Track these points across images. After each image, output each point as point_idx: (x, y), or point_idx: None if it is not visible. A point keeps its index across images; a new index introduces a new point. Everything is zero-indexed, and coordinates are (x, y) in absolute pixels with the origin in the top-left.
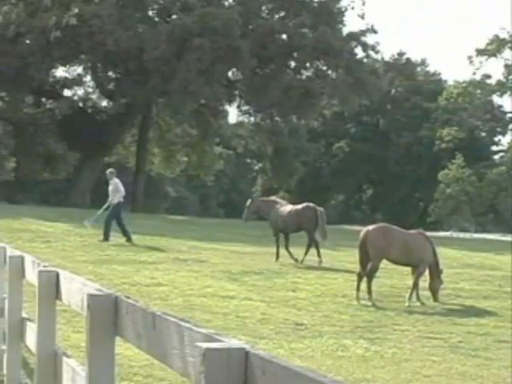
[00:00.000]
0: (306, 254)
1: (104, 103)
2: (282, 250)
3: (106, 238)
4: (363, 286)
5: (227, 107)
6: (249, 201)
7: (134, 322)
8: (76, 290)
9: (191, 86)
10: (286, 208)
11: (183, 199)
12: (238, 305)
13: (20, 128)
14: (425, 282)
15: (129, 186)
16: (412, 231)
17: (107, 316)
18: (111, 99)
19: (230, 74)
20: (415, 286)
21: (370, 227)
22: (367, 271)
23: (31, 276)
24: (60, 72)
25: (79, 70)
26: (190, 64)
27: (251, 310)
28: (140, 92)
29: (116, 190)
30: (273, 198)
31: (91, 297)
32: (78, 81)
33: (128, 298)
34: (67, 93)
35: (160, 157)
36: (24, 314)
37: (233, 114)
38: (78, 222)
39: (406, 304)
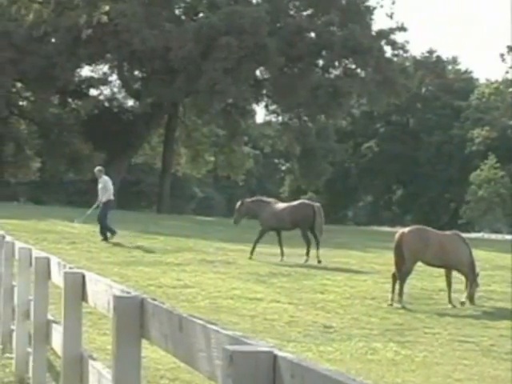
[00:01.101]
0: (308, 253)
1: (130, 103)
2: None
3: (106, 237)
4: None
5: (254, 107)
6: (238, 203)
7: (161, 324)
8: (102, 291)
9: (218, 85)
10: (280, 205)
11: (210, 200)
12: (266, 307)
13: (45, 128)
14: (458, 284)
15: (155, 187)
16: (447, 232)
17: (133, 318)
18: (137, 99)
19: (257, 73)
20: (450, 287)
21: (406, 229)
22: (401, 273)
23: (57, 278)
24: (86, 71)
25: (105, 69)
26: (217, 63)
27: (279, 313)
28: (166, 91)
29: (105, 188)
30: (259, 197)
31: (117, 299)
32: (103, 80)
33: (154, 299)
34: (93, 92)
35: (187, 157)
36: (50, 317)
37: (260, 113)
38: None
39: (449, 306)
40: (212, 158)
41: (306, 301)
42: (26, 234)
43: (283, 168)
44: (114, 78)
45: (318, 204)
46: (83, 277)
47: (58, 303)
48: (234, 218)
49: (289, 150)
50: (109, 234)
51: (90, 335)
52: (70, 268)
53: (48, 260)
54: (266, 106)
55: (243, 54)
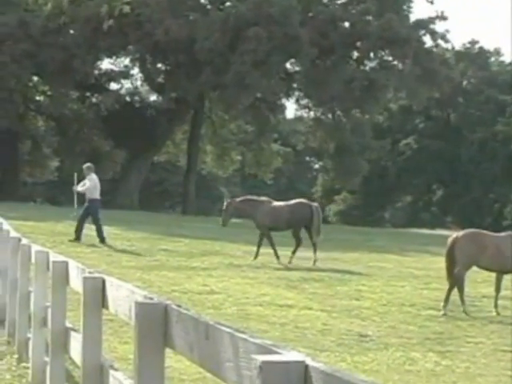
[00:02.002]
0: (294, 252)
1: (153, 97)
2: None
3: (103, 238)
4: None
5: (285, 101)
6: (225, 203)
7: (186, 332)
8: (123, 297)
9: (246, 78)
10: (275, 204)
11: None
12: (297, 314)
13: (64, 124)
14: (506, 290)
15: (179, 187)
16: (502, 234)
17: (157, 326)
18: (160, 93)
19: (287, 65)
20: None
21: (460, 233)
22: (453, 279)
23: (76, 283)
24: (106, 64)
25: (126, 61)
26: (245, 55)
27: (311, 320)
28: (191, 85)
29: (95, 186)
30: (249, 196)
31: (140, 305)
32: (125, 73)
33: (179, 306)
34: (113, 86)
35: (213, 155)
36: (68, 324)
37: (291, 108)
38: (126, 225)
39: (494, 313)
40: (239, 157)
41: (339, 308)
42: (43, 236)
43: (316, 166)
44: (135, 71)
45: (315, 204)
46: (103, 282)
47: (77, 310)
48: (222, 219)
49: (322, 147)
50: (75, 234)
51: (111, 344)
52: (90, 272)
53: (66, 264)
54: (297, 101)
55: (273, 45)
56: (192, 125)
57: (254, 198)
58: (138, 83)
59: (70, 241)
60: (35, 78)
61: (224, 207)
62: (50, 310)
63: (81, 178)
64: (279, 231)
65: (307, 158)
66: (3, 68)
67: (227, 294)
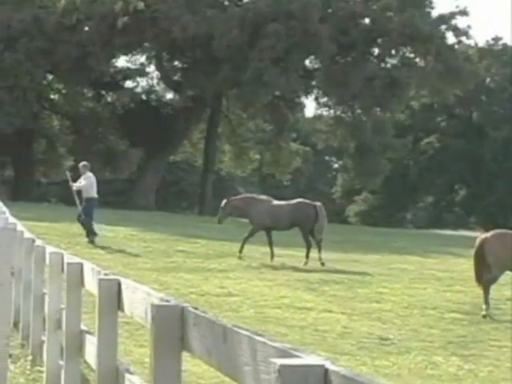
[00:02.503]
0: (308, 255)
1: (169, 96)
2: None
3: (93, 235)
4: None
5: (304, 99)
6: (224, 201)
7: (203, 335)
8: (139, 300)
9: (265, 76)
10: (275, 204)
11: None
12: (317, 317)
13: (79, 123)
14: None
15: (196, 187)
16: None
17: (173, 329)
18: (177, 91)
19: (307, 62)
20: None
21: (488, 234)
22: (484, 281)
23: (91, 285)
24: (122, 62)
25: (142, 59)
26: (264, 52)
27: (331, 323)
28: (209, 83)
29: (92, 184)
30: (248, 195)
31: (156, 307)
32: (141, 71)
33: (196, 309)
34: (129, 84)
35: (230, 154)
36: (83, 327)
37: (310, 106)
38: (142, 226)
39: None
40: (257, 156)
41: (360, 310)
42: (58, 237)
43: (335, 166)
44: (152, 68)
45: (319, 203)
46: (119, 284)
47: (92, 312)
48: (218, 217)
49: (342, 146)
50: (95, 236)
51: (127, 347)
52: (105, 274)
53: (81, 266)
54: (317, 99)
55: (292, 42)
56: (209, 123)
57: (253, 196)
58: (155, 81)
59: (91, 242)
60: (50, 76)
61: (222, 205)
62: (64, 313)
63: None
64: (279, 230)
65: (327, 158)
66: (17, 66)
67: (245, 296)
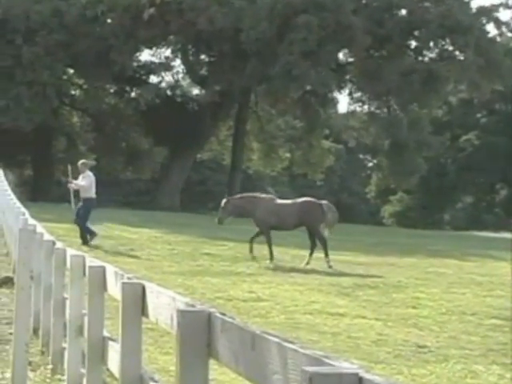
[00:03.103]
0: (326, 254)
1: (195, 91)
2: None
3: (86, 241)
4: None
5: (337, 94)
6: (224, 200)
7: (231, 342)
8: (164, 305)
9: (295, 70)
10: (279, 202)
11: None
12: (350, 323)
13: (100, 120)
14: None
15: (224, 187)
16: None
17: (200, 335)
18: (203, 86)
19: (340, 55)
20: None
21: None
22: None
23: (113, 289)
24: (145, 56)
25: (167, 52)
26: (294, 45)
27: (365, 330)
28: (236, 78)
29: (91, 184)
30: (249, 194)
31: (182, 313)
32: (165, 65)
33: (223, 314)
34: (153, 79)
35: (259, 152)
36: (106, 333)
37: (343, 102)
38: (166, 227)
39: None
40: (288, 154)
41: (395, 316)
42: (79, 239)
43: (369, 165)
44: (177, 62)
45: (325, 202)
46: (143, 288)
47: (115, 318)
48: (219, 217)
49: (376, 144)
50: (94, 236)
51: (151, 354)
52: (129, 278)
53: (103, 269)
54: (350, 94)
55: (324, 34)
56: (237, 120)
57: (255, 194)
58: (180, 76)
59: (85, 244)
60: (70, 71)
61: (222, 204)
62: (86, 318)
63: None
64: (285, 230)
65: (360, 156)
66: (36, 60)
67: (275, 301)
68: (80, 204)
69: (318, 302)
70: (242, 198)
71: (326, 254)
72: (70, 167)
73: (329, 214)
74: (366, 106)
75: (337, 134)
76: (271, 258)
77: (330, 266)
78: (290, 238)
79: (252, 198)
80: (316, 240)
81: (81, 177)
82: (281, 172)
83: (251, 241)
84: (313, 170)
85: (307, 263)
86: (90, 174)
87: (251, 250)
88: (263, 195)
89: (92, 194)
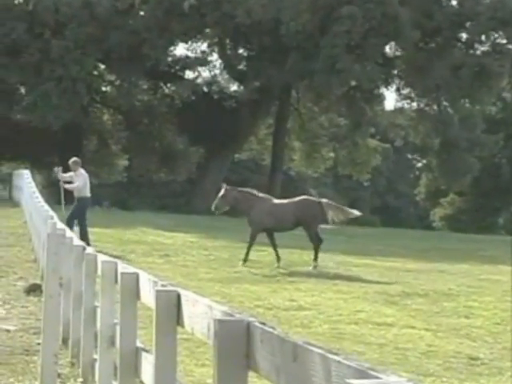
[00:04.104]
0: (316, 257)
1: (233, 87)
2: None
3: (88, 241)
4: None
5: (383, 90)
6: (223, 189)
7: (271, 353)
8: (201, 314)
9: (339, 64)
10: (276, 202)
11: None
12: (398, 334)
13: (132, 118)
14: None
15: (263, 188)
16: None
17: (238, 346)
18: (242, 82)
19: (386, 49)
20: None
21: None
22: None
23: (147, 297)
24: (180, 50)
25: (203, 46)
26: (338, 38)
27: (414, 341)
28: (277, 73)
29: (85, 183)
30: (249, 190)
31: (219, 323)
32: (201, 60)
33: (263, 324)
34: (189, 75)
35: (301, 152)
36: (139, 344)
37: (390, 98)
38: (202, 232)
39: None
40: (331, 154)
41: (446, 327)
42: (111, 244)
43: (418, 165)
44: (214, 57)
45: (325, 200)
46: (178, 296)
47: (149, 328)
48: (216, 205)
49: (426, 143)
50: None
51: (187, 366)
52: (163, 285)
53: (136, 276)
54: (398, 90)
55: (369, 26)
56: (277, 118)
57: (254, 193)
58: (217, 71)
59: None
60: (101, 66)
61: (222, 193)
62: (118, 328)
63: (155, 181)
64: (283, 231)
65: (409, 156)
66: (65, 54)
67: (318, 310)
68: (75, 204)
69: (363, 311)
70: (240, 192)
71: (315, 258)
72: (56, 169)
73: (330, 213)
74: (414, 103)
75: (383, 132)
76: (245, 259)
77: (314, 267)
78: (334, 244)
79: (250, 195)
80: (320, 239)
81: (73, 175)
82: (324, 173)
83: (274, 248)
84: (358, 170)
85: (314, 267)
86: (82, 171)
87: (278, 257)
88: (261, 194)
89: (87, 193)
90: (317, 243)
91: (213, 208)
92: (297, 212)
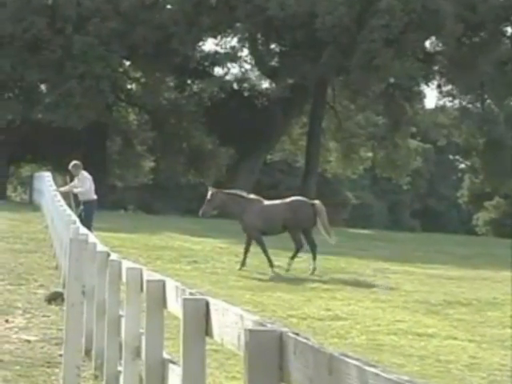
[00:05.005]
0: (293, 258)
1: (265, 84)
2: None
3: None
4: None
5: (424, 88)
6: (210, 192)
7: (305, 365)
8: (231, 324)
9: (377, 60)
10: (267, 204)
11: (367, 207)
12: (439, 345)
13: (159, 117)
14: None
15: (297, 191)
16: None
17: (270, 358)
18: (274, 79)
19: (427, 44)
20: None
21: None
22: None
23: (174, 306)
24: (209, 45)
25: (233, 42)
26: (376, 32)
27: (456, 352)
28: (311, 69)
29: (90, 186)
30: (238, 192)
31: (251, 333)
32: (232, 56)
33: (297, 334)
34: (218, 71)
35: (337, 153)
36: (166, 355)
37: (431, 96)
38: (233, 237)
39: None
40: (369, 154)
41: (491, 338)
42: (136, 250)
43: (461, 166)
44: (244, 52)
45: (318, 202)
46: (207, 305)
47: (176, 338)
48: (203, 210)
49: (469, 143)
50: None
51: (216, 379)
52: (191, 294)
53: (163, 284)
54: (439, 87)
55: (408, 20)
56: (312, 116)
57: (243, 194)
58: (248, 67)
59: None
60: (126, 63)
61: (208, 197)
62: (144, 339)
63: (183, 183)
64: (274, 234)
65: (451, 157)
66: (89, 50)
67: (354, 320)
68: (81, 208)
69: (403, 321)
70: (230, 195)
71: (314, 258)
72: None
73: (321, 216)
74: (456, 101)
75: (424, 132)
76: (271, 265)
77: (314, 269)
78: (371, 250)
79: (239, 197)
80: (314, 240)
81: (76, 179)
82: (362, 175)
83: (266, 253)
84: (398, 172)
85: (314, 269)
86: (85, 174)
87: (270, 263)
88: (251, 196)
89: (92, 195)
90: (299, 245)
91: (200, 213)
92: (287, 213)
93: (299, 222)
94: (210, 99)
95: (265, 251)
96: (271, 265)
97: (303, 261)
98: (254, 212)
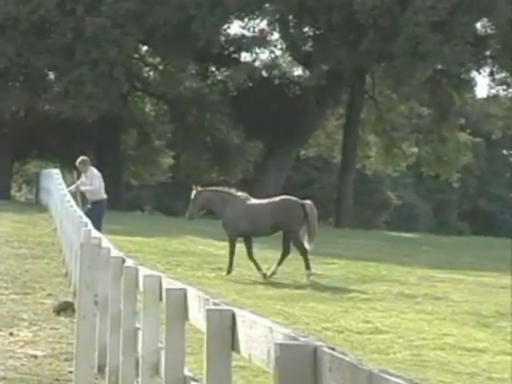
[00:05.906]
0: (307, 265)
1: (297, 71)
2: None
3: None
4: None
5: (474, 75)
6: (193, 192)
7: (342, 382)
8: (259, 337)
9: (422, 45)
10: (253, 203)
11: (411, 208)
12: (491, 361)
13: (179, 109)
14: None
15: (333, 190)
16: None
17: (303, 375)
18: (308, 66)
19: (478, 26)
20: None
21: None
22: None
23: (196, 317)
24: (236, 28)
25: (262, 24)
26: (421, 14)
27: (510, 369)
28: (348, 55)
29: (100, 184)
30: (224, 188)
31: (281, 347)
32: (260, 40)
33: (333, 349)
34: (245, 57)
35: (377, 147)
36: (187, 372)
37: (483, 84)
38: (261, 241)
39: None
40: (414, 149)
41: None
42: (154, 256)
43: None
44: (275, 36)
45: (309, 201)
46: (233, 316)
47: (199, 353)
48: (189, 213)
49: None
50: None
51: None
52: (215, 304)
53: (184, 293)
54: (491, 74)
55: (457, 1)
56: (349, 107)
57: (230, 191)
58: (278, 53)
59: None
60: (143, 48)
61: (192, 196)
62: (163, 354)
63: (206, 181)
64: (260, 236)
65: (504, 152)
66: (102, 34)
67: (396, 333)
68: (88, 206)
69: (451, 334)
70: (215, 193)
71: (307, 267)
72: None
73: (311, 218)
74: (511, 89)
75: (475, 124)
76: (229, 269)
77: (308, 276)
78: (416, 255)
79: (226, 194)
80: (290, 248)
81: (83, 176)
82: (404, 172)
83: (251, 257)
84: (445, 169)
85: (273, 273)
86: (94, 171)
87: (259, 268)
88: (238, 193)
89: (102, 195)
90: (302, 251)
91: (186, 216)
92: (274, 213)
93: (289, 223)
94: (236, 88)
95: (231, 253)
96: (229, 270)
97: (340, 268)
98: (237, 210)
